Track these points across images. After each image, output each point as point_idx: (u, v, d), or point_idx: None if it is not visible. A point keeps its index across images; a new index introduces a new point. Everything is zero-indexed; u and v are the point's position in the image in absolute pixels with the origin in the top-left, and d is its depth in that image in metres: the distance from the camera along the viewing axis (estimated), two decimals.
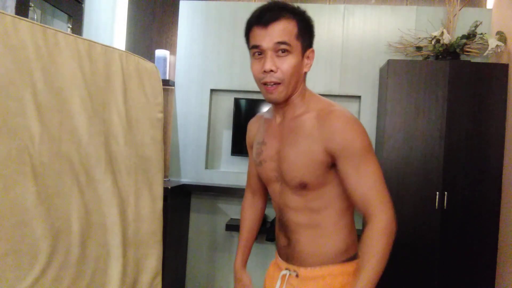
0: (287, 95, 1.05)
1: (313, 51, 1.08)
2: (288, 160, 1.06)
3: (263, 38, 1.01)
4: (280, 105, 1.10)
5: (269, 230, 2.67)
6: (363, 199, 0.98)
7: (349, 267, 1.07)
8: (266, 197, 1.41)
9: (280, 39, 1.00)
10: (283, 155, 1.08)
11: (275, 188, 1.15)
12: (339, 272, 1.07)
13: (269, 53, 1.01)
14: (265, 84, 1.03)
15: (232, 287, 3.09)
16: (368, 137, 1.02)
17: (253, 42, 1.05)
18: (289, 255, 1.14)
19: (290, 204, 1.10)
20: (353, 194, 1.00)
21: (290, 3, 1.05)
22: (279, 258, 1.19)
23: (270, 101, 1.08)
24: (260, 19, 1.02)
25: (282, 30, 1.00)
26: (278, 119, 1.14)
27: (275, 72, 1.01)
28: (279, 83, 1.02)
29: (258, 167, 1.19)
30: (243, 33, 1.10)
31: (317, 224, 1.08)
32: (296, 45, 1.02)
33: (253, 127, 1.29)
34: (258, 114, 1.32)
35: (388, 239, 1.00)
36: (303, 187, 1.05)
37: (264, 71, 1.01)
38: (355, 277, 0.99)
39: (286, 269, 1.14)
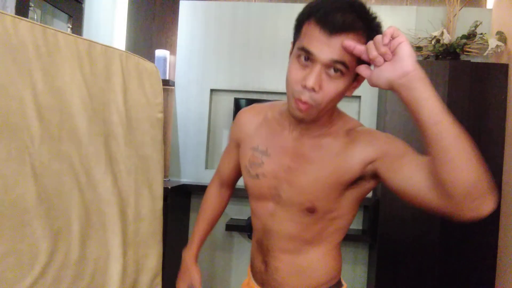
0: (316, 118, 0.88)
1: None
2: (299, 181, 0.92)
3: (321, 47, 0.79)
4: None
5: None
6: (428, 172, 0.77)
7: None
8: (233, 190, 1.29)
9: (340, 58, 0.79)
10: (296, 176, 0.93)
11: (265, 207, 1.00)
12: None
13: (319, 68, 0.80)
14: (298, 99, 0.84)
15: (233, 287, 3.10)
16: None
17: (306, 43, 0.81)
18: (265, 281, 1.02)
19: (282, 230, 0.97)
20: (414, 180, 0.79)
21: (365, 4, 0.83)
22: (253, 281, 1.07)
23: (294, 118, 0.90)
24: (326, 20, 0.78)
25: (347, 45, 0.78)
26: (294, 134, 0.96)
27: (316, 93, 0.81)
28: (312, 106, 0.84)
29: (251, 179, 1.02)
30: (295, 21, 0.89)
31: (306, 254, 0.96)
32: (353, 67, 0.82)
33: (250, 123, 1.07)
34: (256, 107, 1.10)
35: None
36: (310, 211, 0.92)
37: (305, 86, 0.81)
38: None
39: None
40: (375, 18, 0.83)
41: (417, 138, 2.73)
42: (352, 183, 0.90)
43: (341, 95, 0.86)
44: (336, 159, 0.89)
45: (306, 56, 0.82)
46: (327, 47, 0.78)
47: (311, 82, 0.80)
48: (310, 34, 0.81)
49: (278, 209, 0.97)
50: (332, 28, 0.78)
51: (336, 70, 0.81)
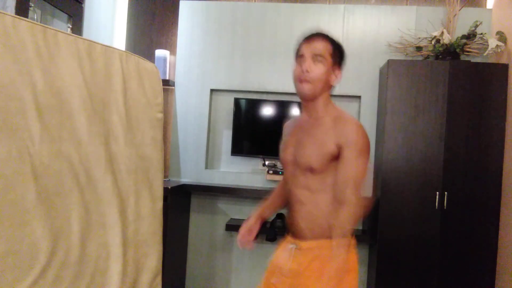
0: (314, 93, 1.37)
1: (340, 72, 1.42)
2: (305, 148, 1.38)
3: (306, 49, 1.38)
4: (308, 103, 1.41)
5: (269, 230, 2.67)
6: (342, 183, 1.29)
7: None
8: None
9: (317, 52, 1.36)
10: (301, 143, 1.40)
11: (289, 170, 1.45)
12: (326, 245, 1.32)
13: (308, 59, 1.36)
14: (300, 81, 1.36)
15: (233, 287, 3.11)
16: (369, 145, 1.34)
17: (299, 52, 1.40)
18: (294, 231, 1.43)
19: (298, 184, 1.40)
20: (338, 177, 1.30)
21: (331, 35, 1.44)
22: (289, 235, 1.47)
23: (301, 94, 1.39)
24: (307, 38, 1.40)
25: (320, 46, 1.37)
26: (305, 117, 1.45)
27: (309, 73, 1.35)
28: (310, 82, 1.35)
29: (282, 152, 1.50)
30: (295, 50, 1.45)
31: (314, 203, 1.37)
32: (328, 60, 1.37)
33: (288, 128, 1.57)
34: (294, 119, 1.62)
35: (351, 220, 1.29)
36: (310, 170, 1.35)
37: (302, 71, 1.35)
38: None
39: (293, 243, 1.41)
40: (338, 42, 1.43)
41: (417, 138, 2.73)
42: (336, 156, 1.31)
43: (325, 77, 1.37)
44: (323, 135, 1.35)
45: (300, 58, 1.39)
46: (310, 48, 1.38)
47: (305, 66, 1.36)
48: (300, 47, 1.41)
49: (295, 170, 1.41)
50: (310, 39, 1.39)
51: (318, 60, 1.36)
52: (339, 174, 1.30)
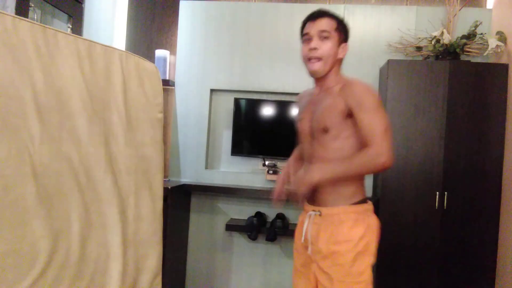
0: (324, 70, 1.44)
1: (346, 45, 1.48)
2: (318, 112, 1.45)
3: (312, 27, 1.43)
4: (319, 79, 1.47)
5: (269, 230, 2.67)
6: (369, 135, 1.31)
7: (358, 207, 1.43)
8: None
9: (323, 28, 1.42)
10: (316, 111, 1.47)
11: (307, 141, 1.52)
12: (350, 211, 1.41)
13: (315, 37, 1.42)
14: (309, 59, 1.43)
15: (233, 287, 3.10)
16: (380, 101, 1.37)
17: (304, 31, 1.46)
18: (314, 199, 1.47)
19: (316, 153, 1.46)
20: (364, 133, 1.34)
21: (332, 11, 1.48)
22: (307, 204, 1.52)
23: (312, 72, 1.45)
24: (310, 17, 1.46)
25: (325, 23, 1.43)
26: (317, 91, 1.52)
27: (318, 50, 1.41)
28: (320, 59, 1.42)
29: (298, 123, 1.58)
30: (299, 32, 1.51)
31: None
32: (334, 35, 1.43)
33: (302, 100, 1.64)
34: (306, 90, 1.68)
35: (370, 162, 1.31)
36: (325, 130, 1.41)
37: (310, 49, 1.42)
38: (363, 214, 1.41)
39: (313, 210, 1.47)
40: (341, 17, 1.48)
41: (417, 138, 2.71)
42: (347, 115, 1.38)
43: (334, 52, 1.43)
44: (332, 99, 1.42)
45: (307, 37, 1.45)
46: (314, 26, 1.43)
47: (313, 44, 1.42)
48: (305, 27, 1.47)
49: (313, 139, 1.47)
50: (314, 17, 1.45)
51: (324, 36, 1.42)
52: (362, 130, 1.33)
